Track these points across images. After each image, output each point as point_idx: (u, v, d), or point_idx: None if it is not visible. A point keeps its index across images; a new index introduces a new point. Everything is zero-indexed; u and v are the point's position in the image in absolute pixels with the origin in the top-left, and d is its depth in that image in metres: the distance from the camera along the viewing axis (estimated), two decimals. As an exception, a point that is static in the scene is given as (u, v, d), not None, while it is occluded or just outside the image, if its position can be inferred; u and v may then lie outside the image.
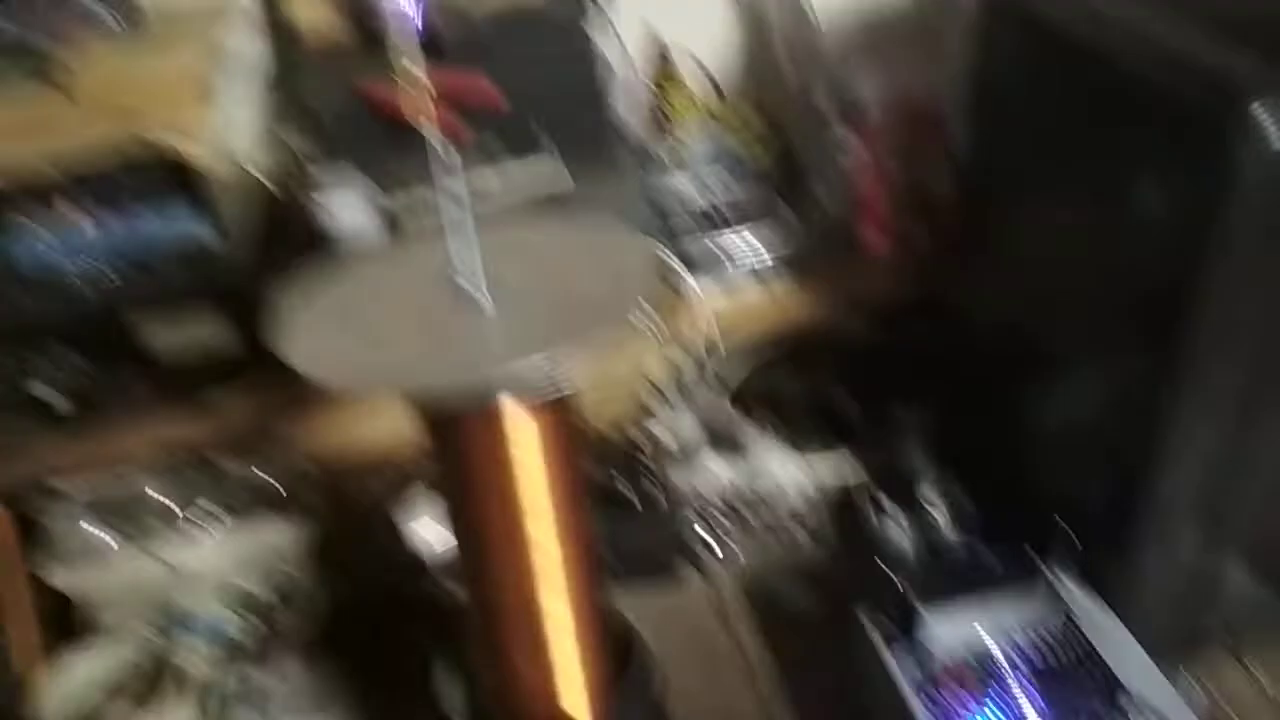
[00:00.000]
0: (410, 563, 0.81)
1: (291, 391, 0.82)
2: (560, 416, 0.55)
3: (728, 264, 0.88)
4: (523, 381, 0.48)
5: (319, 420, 0.84)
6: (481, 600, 0.59)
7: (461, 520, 0.58)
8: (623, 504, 0.88)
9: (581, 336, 0.49)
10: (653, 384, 0.90)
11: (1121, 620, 0.71)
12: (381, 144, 0.76)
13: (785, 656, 0.82)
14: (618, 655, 0.65)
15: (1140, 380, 0.68)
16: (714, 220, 0.88)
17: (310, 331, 0.53)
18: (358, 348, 0.53)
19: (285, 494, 0.84)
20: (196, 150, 0.75)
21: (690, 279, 0.85)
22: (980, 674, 0.68)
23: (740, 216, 0.89)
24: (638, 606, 0.84)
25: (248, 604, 0.82)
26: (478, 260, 0.53)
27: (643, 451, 0.90)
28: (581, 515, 0.58)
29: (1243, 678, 0.77)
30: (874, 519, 0.85)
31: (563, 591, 0.58)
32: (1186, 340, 0.63)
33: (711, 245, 0.87)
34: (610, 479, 0.89)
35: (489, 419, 0.52)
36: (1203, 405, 0.65)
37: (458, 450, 0.55)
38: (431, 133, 0.54)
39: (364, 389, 0.50)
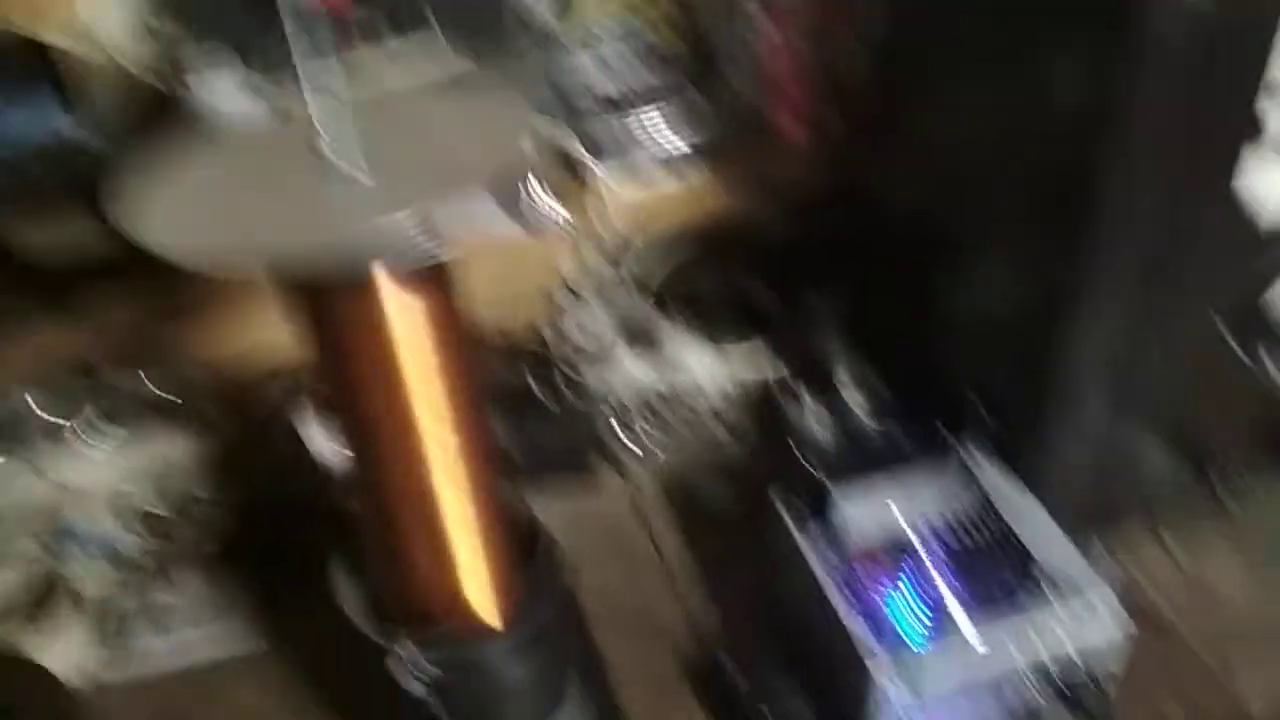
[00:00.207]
0: (311, 470, 0.77)
1: (178, 295, 0.78)
2: (443, 292, 0.52)
3: (636, 150, 0.84)
4: (393, 243, 0.45)
5: (210, 325, 0.80)
6: (373, 494, 0.56)
7: (345, 409, 0.55)
8: (537, 404, 0.86)
9: (455, 196, 0.45)
10: (564, 280, 0.87)
11: (1036, 497, 0.70)
12: (256, 24, 0.71)
13: (705, 553, 0.81)
14: (523, 549, 0.62)
15: (1048, 257, 0.66)
16: (620, 104, 0.84)
17: (170, 210, 0.49)
18: (221, 224, 0.49)
19: (177, 403, 0.80)
20: (59, 37, 0.70)
21: (596, 165, 0.81)
22: (895, 554, 0.67)
23: (648, 100, 0.85)
24: (554, 507, 0.82)
25: (142, 518, 0.79)
26: (353, 137, 0.49)
27: (556, 350, 0.87)
28: (475, 399, 0.55)
29: (1160, 554, 0.77)
30: (791, 410, 0.83)
31: (457, 480, 0.55)
32: (1094, 213, 0.62)
33: (618, 130, 0.84)
34: (523, 378, 0.86)
35: (363, 291, 0.49)
36: (1110, 280, 0.64)
37: (334, 331, 0.51)
38: (305, 9, 0.50)
39: (222, 262, 0.47)
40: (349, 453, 0.57)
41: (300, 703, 0.71)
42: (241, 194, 0.51)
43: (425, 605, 0.58)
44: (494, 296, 0.87)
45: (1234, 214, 0.62)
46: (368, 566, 0.61)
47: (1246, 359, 0.69)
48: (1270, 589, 0.74)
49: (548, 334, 0.87)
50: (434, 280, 0.51)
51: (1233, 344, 0.68)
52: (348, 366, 0.53)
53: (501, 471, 0.60)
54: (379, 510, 0.57)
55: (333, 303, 0.51)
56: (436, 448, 0.55)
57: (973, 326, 0.75)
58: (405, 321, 0.51)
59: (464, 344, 0.53)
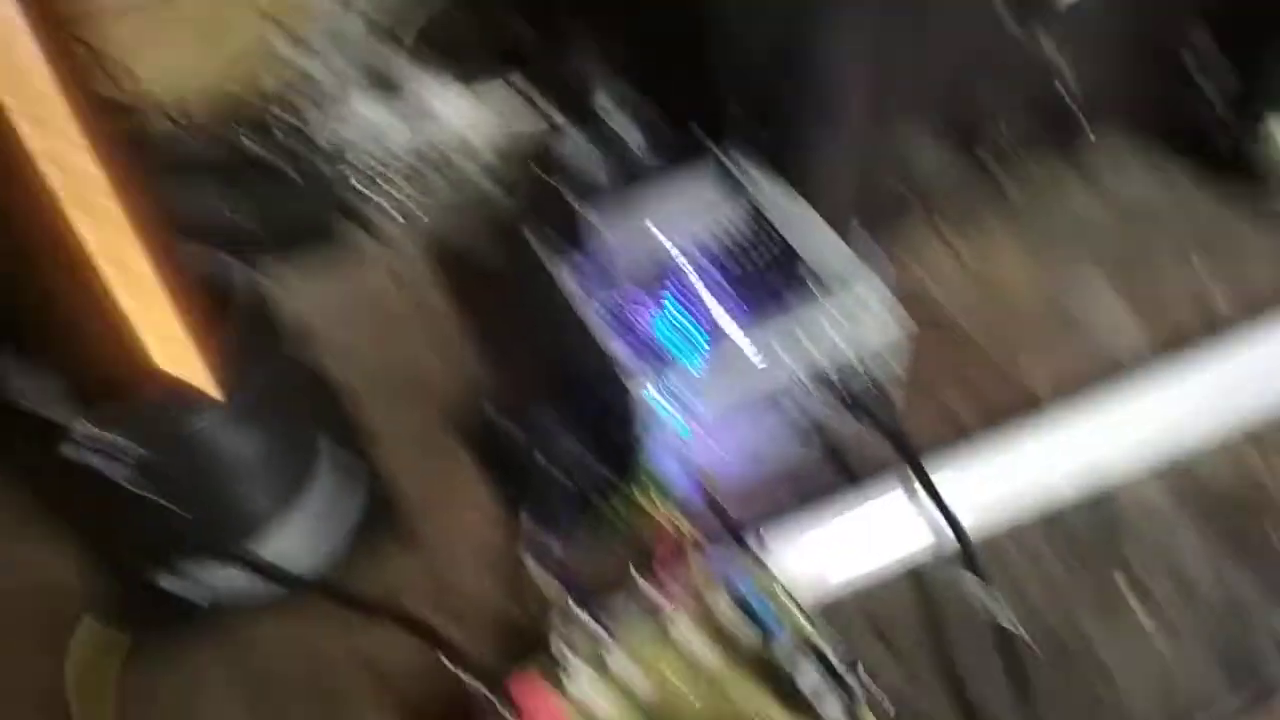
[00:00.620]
0: None
1: None
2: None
3: None
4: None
5: None
6: (19, 254, 0.47)
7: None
8: (272, 172, 0.76)
9: None
10: (285, 28, 0.76)
11: (806, 201, 0.65)
12: None
13: (474, 311, 0.74)
14: (229, 311, 0.54)
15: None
16: None
17: None
18: None
19: None
20: None
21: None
22: (660, 274, 0.62)
23: None
24: (306, 281, 0.75)
25: None
26: None
27: (290, 110, 0.77)
28: (105, 128, 0.45)
29: (941, 249, 0.74)
30: (555, 145, 0.76)
31: (103, 219, 0.45)
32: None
33: None
34: (253, 145, 0.76)
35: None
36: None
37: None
38: None
39: None
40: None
41: (17, 527, 0.63)
42: None
43: (110, 375, 0.50)
44: (206, 51, 0.76)
45: None
46: (43, 347, 0.52)
47: (1018, 29, 0.64)
48: (1051, 273, 0.72)
49: (275, 91, 0.76)
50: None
51: (1003, 14, 0.63)
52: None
53: (173, 224, 0.50)
54: (32, 276, 0.48)
55: None
56: (73, 183, 0.45)
57: (731, 32, 0.68)
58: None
59: (71, 49, 0.43)
